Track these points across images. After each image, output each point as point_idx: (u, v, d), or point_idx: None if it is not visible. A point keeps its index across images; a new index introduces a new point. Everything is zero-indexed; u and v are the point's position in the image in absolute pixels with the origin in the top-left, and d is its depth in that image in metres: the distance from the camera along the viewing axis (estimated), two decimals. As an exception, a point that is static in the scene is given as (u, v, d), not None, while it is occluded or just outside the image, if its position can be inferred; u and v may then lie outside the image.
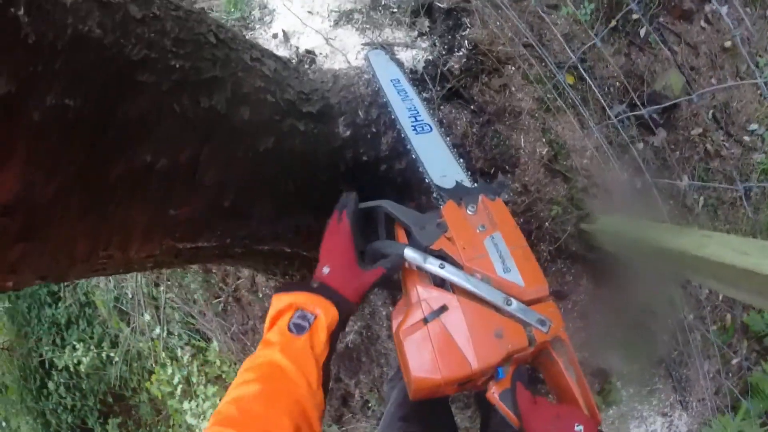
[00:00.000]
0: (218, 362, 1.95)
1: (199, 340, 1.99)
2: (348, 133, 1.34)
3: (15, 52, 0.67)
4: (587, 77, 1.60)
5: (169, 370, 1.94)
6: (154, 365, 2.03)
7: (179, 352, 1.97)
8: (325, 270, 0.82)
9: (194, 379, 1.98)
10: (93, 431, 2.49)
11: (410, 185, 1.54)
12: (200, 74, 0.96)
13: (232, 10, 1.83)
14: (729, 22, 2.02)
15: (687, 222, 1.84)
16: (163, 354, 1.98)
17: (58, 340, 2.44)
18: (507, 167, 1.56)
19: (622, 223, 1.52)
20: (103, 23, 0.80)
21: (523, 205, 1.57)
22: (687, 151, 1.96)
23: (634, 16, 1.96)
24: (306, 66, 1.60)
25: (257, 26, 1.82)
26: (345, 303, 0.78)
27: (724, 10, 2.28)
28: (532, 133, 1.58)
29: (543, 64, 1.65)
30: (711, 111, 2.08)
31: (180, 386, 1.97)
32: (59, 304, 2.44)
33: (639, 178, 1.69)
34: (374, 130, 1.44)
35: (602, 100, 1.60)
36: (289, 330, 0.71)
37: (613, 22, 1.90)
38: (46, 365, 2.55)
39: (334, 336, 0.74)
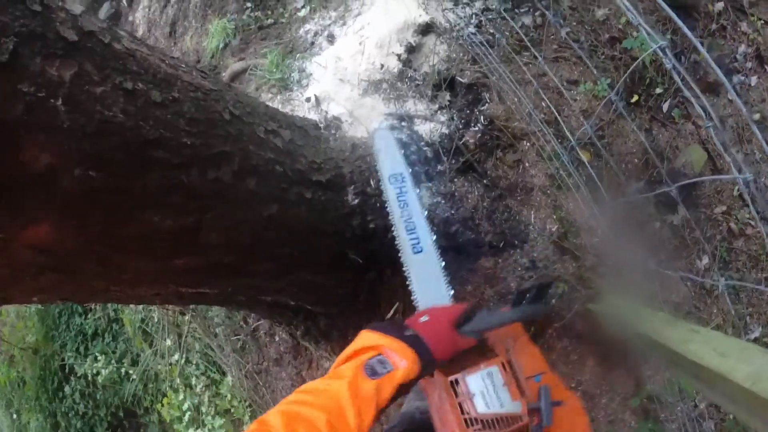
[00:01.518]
0: (229, 396, 1.93)
1: (214, 372, 1.99)
2: (356, 201, 1.30)
3: (55, 135, 0.73)
4: (602, 153, 1.50)
5: (181, 396, 1.95)
6: (168, 389, 2.05)
7: (194, 381, 1.98)
8: (423, 318, 0.75)
9: (204, 409, 1.97)
10: None
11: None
12: (210, 149, 0.96)
13: (274, 71, 1.86)
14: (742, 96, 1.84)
15: (705, 305, 1.67)
16: (178, 380, 1.99)
17: (81, 349, 2.50)
18: (516, 242, 1.47)
19: (623, 307, 1.39)
20: (126, 109, 0.82)
21: (531, 280, 1.47)
22: (709, 230, 1.79)
23: (657, 90, 1.83)
24: (332, 131, 1.59)
25: (295, 88, 1.84)
26: (430, 362, 0.70)
27: (753, 80, 2.10)
28: (543, 209, 1.49)
29: (559, 140, 1.57)
30: (736, 188, 1.89)
31: (189, 413, 1.96)
32: (89, 315, 2.50)
33: (654, 258, 1.55)
34: (384, 198, 1.40)
35: (619, 177, 1.48)
36: (365, 369, 0.65)
37: (636, 97, 1.79)
38: (66, 370, 2.61)
39: (404, 388, 0.68)
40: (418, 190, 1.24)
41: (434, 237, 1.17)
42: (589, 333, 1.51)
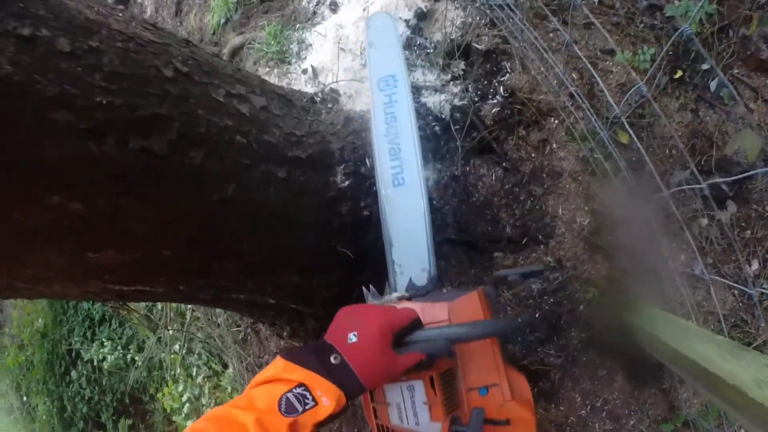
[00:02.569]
0: (230, 389, 1.71)
1: (216, 363, 1.76)
2: (347, 183, 1.02)
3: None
4: (633, 138, 1.19)
5: (180, 387, 1.74)
6: (169, 379, 1.84)
7: (195, 371, 1.76)
8: (352, 338, 0.59)
9: (204, 401, 1.75)
10: (105, 426, 2.34)
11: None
12: (135, 112, 0.68)
13: (272, 43, 1.60)
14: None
15: (753, 318, 1.35)
16: (179, 369, 1.78)
17: (88, 334, 2.33)
18: (540, 237, 1.18)
19: (661, 320, 1.08)
20: (17, 60, 0.57)
21: (556, 282, 1.18)
22: (760, 231, 1.47)
23: (704, 66, 1.50)
24: (328, 105, 1.32)
25: (293, 60, 1.57)
26: (357, 390, 0.58)
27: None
28: (573, 199, 1.19)
29: (592, 118, 1.26)
30: (793, 182, 1.55)
31: (188, 404, 1.75)
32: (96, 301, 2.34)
33: (699, 261, 1.24)
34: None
35: (661, 165, 1.18)
36: (279, 404, 0.54)
37: (679, 73, 1.47)
38: (73, 355, 2.46)
39: (322, 424, 0.56)
40: (412, 99, 0.93)
41: (423, 167, 0.89)
42: (620, 346, 1.22)
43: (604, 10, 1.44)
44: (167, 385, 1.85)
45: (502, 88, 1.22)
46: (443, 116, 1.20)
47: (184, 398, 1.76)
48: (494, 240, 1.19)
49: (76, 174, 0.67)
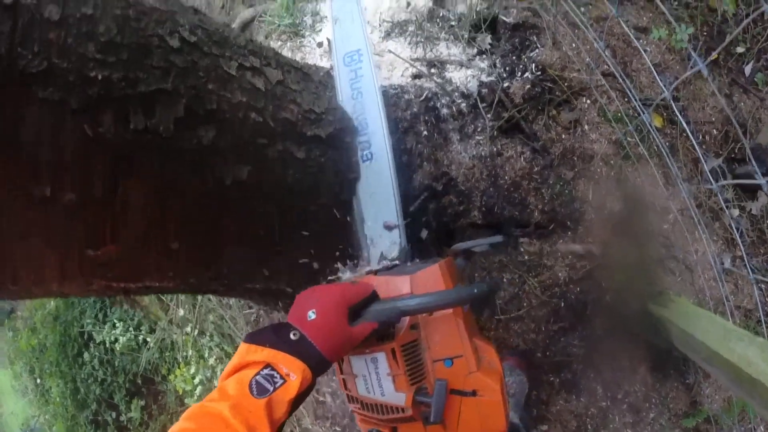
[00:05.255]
0: None
1: (228, 345, 1.58)
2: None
3: None
4: (680, 119, 0.98)
5: (193, 369, 1.56)
6: (181, 360, 1.66)
7: (207, 353, 1.57)
8: (311, 315, 0.55)
9: (216, 383, 1.58)
10: (118, 407, 2.16)
11: (448, 227, 1.00)
12: (136, 87, 0.46)
13: (284, 15, 1.35)
14: None
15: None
16: (191, 351, 1.59)
17: (100, 316, 2.12)
18: (569, 223, 0.98)
19: (690, 313, 0.90)
20: None
21: (582, 270, 0.99)
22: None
23: (739, 49, 1.27)
24: (345, 79, 1.08)
25: (307, 33, 1.32)
26: (321, 364, 0.54)
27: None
28: (604, 183, 0.98)
29: (625, 99, 1.05)
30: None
31: (200, 387, 1.57)
32: (109, 281, 2.13)
33: (729, 253, 1.05)
34: (405, 160, 0.91)
35: (695, 151, 0.97)
36: (250, 388, 0.49)
37: (714, 55, 1.24)
38: (85, 337, 2.25)
39: (298, 400, 0.52)
40: (376, 71, 0.83)
41: (390, 140, 0.79)
42: (645, 337, 1.03)
43: (636, -14, 1.20)
44: (179, 367, 1.66)
45: (532, 64, 0.99)
46: (469, 93, 0.97)
47: (197, 380, 1.58)
48: (521, 225, 0.98)
49: (69, 160, 0.47)
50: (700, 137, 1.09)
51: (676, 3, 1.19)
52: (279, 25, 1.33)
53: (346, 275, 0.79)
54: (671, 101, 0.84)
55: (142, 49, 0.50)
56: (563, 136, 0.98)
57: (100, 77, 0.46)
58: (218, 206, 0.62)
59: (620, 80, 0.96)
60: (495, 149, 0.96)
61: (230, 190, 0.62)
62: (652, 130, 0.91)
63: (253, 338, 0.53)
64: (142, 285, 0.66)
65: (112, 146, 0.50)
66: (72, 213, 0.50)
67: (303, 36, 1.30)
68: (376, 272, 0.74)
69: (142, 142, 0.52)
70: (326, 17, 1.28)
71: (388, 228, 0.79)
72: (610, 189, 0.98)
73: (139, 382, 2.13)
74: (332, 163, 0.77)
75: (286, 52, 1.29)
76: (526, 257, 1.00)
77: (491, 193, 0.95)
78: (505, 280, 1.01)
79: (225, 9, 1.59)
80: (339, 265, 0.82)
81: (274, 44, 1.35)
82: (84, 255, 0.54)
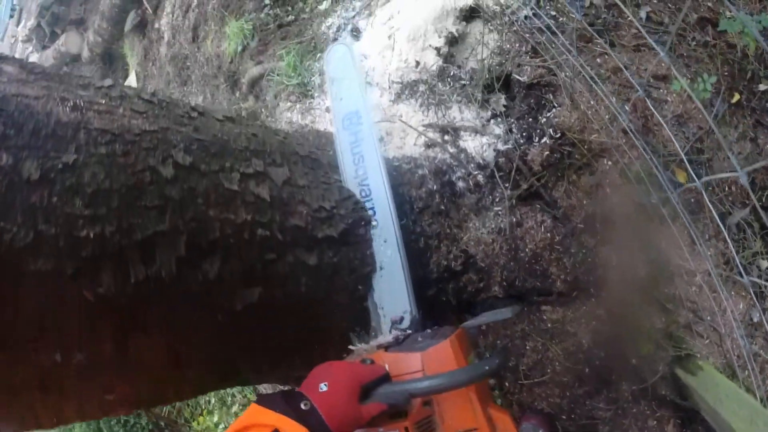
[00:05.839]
0: None
1: (251, 393, 1.58)
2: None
3: None
4: (693, 176, 0.91)
5: (216, 417, 1.57)
6: (203, 408, 1.67)
7: (229, 400, 1.58)
8: (323, 387, 0.55)
9: None
10: None
11: (468, 301, 0.97)
12: (131, 236, 0.44)
13: (292, 75, 1.31)
14: None
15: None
16: (213, 400, 1.60)
17: None
18: (592, 290, 0.94)
19: (716, 381, 0.85)
20: None
21: (607, 337, 0.95)
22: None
23: (761, 87, 1.18)
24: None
25: (316, 94, 1.28)
26: None
27: None
28: (628, 248, 0.94)
29: (648, 156, 0.98)
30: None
31: None
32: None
33: (758, 307, 0.99)
34: (422, 245, 0.87)
35: (720, 206, 0.91)
36: None
37: (737, 96, 1.15)
38: None
39: None
40: (376, 134, 0.81)
41: (393, 204, 0.76)
42: (672, 399, 1.00)
43: (653, 28, 1.12)
44: (202, 414, 1.66)
45: (549, 128, 0.94)
46: (486, 163, 0.92)
47: (220, 429, 1.58)
48: (543, 294, 0.94)
49: (75, 325, 0.44)
50: (726, 188, 1.02)
51: (694, 42, 1.11)
52: (287, 86, 1.29)
53: (357, 345, 0.77)
54: (686, 159, 0.78)
55: (133, 191, 0.47)
56: (584, 202, 0.93)
57: (92, 235, 0.43)
58: (232, 333, 0.60)
59: (636, 140, 0.89)
60: (514, 220, 0.92)
61: (242, 315, 0.60)
62: (669, 190, 0.85)
63: (264, 401, 0.53)
64: (153, 400, 0.65)
65: (115, 304, 0.47)
66: (84, 373, 0.49)
67: (312, 97, 1.25)
68: (387, 348, 0.72)
69: (145, 293, 0.49)
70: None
71: (397, 322, 0.76)
72: (635, 254, 0.93)
73: (162, 424, 2.15)
74: (347, 262, 0.74)
75: (296, 115, 1.26)
76: (549, 325, 0.96)
77: (512, 267, 0.91)
78: (528, 347, 0.97)
79: (234, 63, 1.56)
80: (351, 334, 0.79)
81: (284, 104, 1.31)
82: (102, 398, 0.53)
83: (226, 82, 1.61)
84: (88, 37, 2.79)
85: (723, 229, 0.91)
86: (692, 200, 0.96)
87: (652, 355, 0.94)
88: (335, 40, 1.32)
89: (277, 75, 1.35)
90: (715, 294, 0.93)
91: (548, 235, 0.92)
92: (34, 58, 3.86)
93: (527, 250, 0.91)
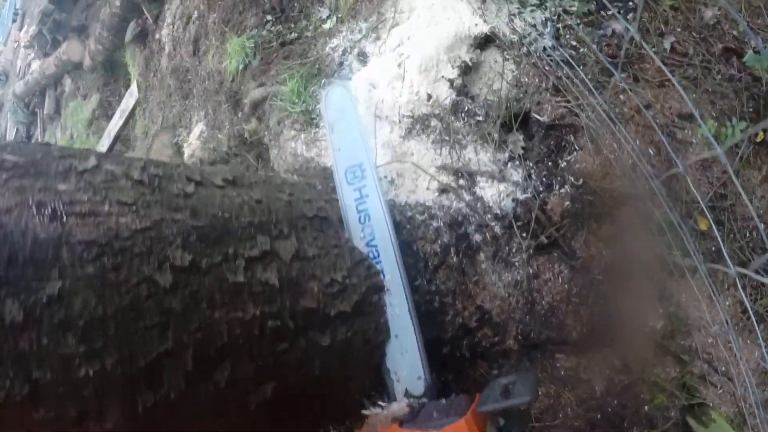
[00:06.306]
0: None
1: None
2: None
3: None
4: (712, 224, 0.86)
5: None
6: None
7: None
8: None
9: None
10: None
11: (482, 355, 0.93)
12: (133, 363, 0.38)
13: (296, 101, 1.22)
14: None
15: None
16: None
17: None
18: (607, 339, 0.90)
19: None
20: None
21: (621, 385, 0.92)
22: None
23: (785, 123, 1.11)
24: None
25: (321, 123, 1.20)
26: None
27: None
28: (647, 300, 0.89)
29: (671, 203, 0.92)
30: None
31: None
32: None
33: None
34: (437, 304, 0.82)
35: (740, 255, 0.86)
36: None
37: (761, 135, 1.09)
38: None
39: None
40: (381, 190, 0.74)
41: (403, 267, 0.71)
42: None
43: (677, 60, 1.04)
44: None
45: (571, 174, 0.87)
46: (504, 213, 0.86)
47: None
48: (558, 343, 0.90)
49: None
50: (747, 233, 0.97)
51: (719, 76, 1.03)
52: (291, 112, 1.21)
53: (371, 410, 0.74)
54: (706, 207, 0.73)
55: (129, 312, 0.41)
56: (604, 252, 0.88)
57: (91, 373, 0.38)
58: (249, 429, 0.56)
59: (659, 194, 0.83)
60: (531, 271, 0.87)
61: (257, 411, 0.55)
62: (688, 244, 0.80)
63: None
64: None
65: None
66: None
67: (317, 126, 1.17)
68: (401, 423, 0.69)
69: (155, 417, 0.44)
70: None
71: (411, 397, 0.72)
72: (653, 307, 0.88)
73: None
74: (361, 334, 0.69)
75: (300, 146, 1.18)
76: (563, 372, 0.93)
77: (527, 321, 0.86)
78: (540, 392, 0.94)
79: (236, 82, 1.46)
80: (365, 400, 0.76)
81: (288, 132, 1.23)
82: None
83: (227, 102, 1.51)
84: (89, 45, 2.66)
85: (737, 279, 0.87)
86: (713, 248, 0.91)
87: (665, 404, 0.91)
88: (341, 64, 1.22)
89: (280, 100, 1.26)
90: (730, 344, 0.90)
91: (566, 286, 0.87)
92: (35, 64, 3.74)
93: (544, 302, 0.87)
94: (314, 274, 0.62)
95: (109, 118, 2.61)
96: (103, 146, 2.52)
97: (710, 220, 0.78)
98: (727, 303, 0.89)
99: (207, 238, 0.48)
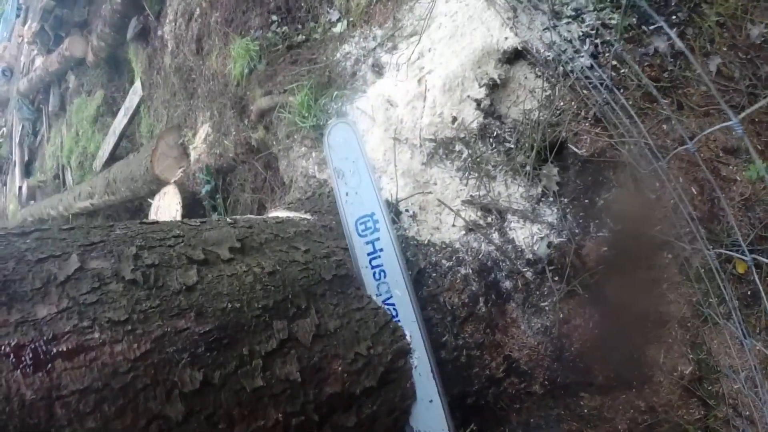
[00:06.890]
0: None
1: None
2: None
3: None
4: (753, 271, 0.79)
5: None
6: None
7: None
8: None
9: None
10: None
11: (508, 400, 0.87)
12: None
13: (306, 115, 1.09)
14: None
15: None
16: None
17: None
18: (634, 383, 0.85)
19: None
20: None
21: (644, 425, 0.88)
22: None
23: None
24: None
25: (332, 139, 1.08)
26: None
27: None
28: (677, 347, 0.83)
29: (711, 246, 0.85)
30: None
31: None
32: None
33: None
34: (464, 359, 0.74)
35: None
36: None
37: None
38: None
39: None
40: (397, 243, 0.66)
41: (423, 324, 0.64)
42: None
43: (722, 85, 0.93)
44: None
45: (608, 217, 0.78)
46: (536, 258, 0.78)
47: None
48: (583, 384, 0.85)
49: None
50: (782, 274, 0.90)
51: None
52: (300, 127, 1.08)
53: None
54: (747, 250, 0.66)
55: None
56: (638, 299, 0.81)
57: None
58: None
59: (700, 238, 0.75)
60: (561, 316, 0.80)
61: None
62: (724, 290, 0.73)
63: None
64: None
65: None
66: None
67: (331, 145, 1.05)
68: None
69: None
70: (355, 122, 1.03)
71: None
72: (684, 352, 0.83)
73: None
74: (387, 404, 0.61)
75: (311, 165, 1.06)
76: (586, 411, 0.88)
77: (555, 367, 0.80)
78: (562, 428, 0.90)
79: (241, 87, 1.31)
80: None
81: (297, 148, 1.11)
82: None
83: (233, 107, 1.37)
84: (92, 41, 2.45)
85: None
86: (749, 292, 0.85)
87: (686, 446, 0.88)
88: (353, 74, 1.09)
89: (289, 112, 1.13)
90: (757, 389, 0.85)
91: (596, 332, 0.80)
92: (39, 61, 3.54)
93: (572, 349, 0.80)
94: (337, 353, 0.54)
95: (113, 114, 2.44)
96: (108, 144, 2.37)
97: (750, 263, 0.71)
98: (757, 347, 0.83)
99: (218, 344, 0.40)
